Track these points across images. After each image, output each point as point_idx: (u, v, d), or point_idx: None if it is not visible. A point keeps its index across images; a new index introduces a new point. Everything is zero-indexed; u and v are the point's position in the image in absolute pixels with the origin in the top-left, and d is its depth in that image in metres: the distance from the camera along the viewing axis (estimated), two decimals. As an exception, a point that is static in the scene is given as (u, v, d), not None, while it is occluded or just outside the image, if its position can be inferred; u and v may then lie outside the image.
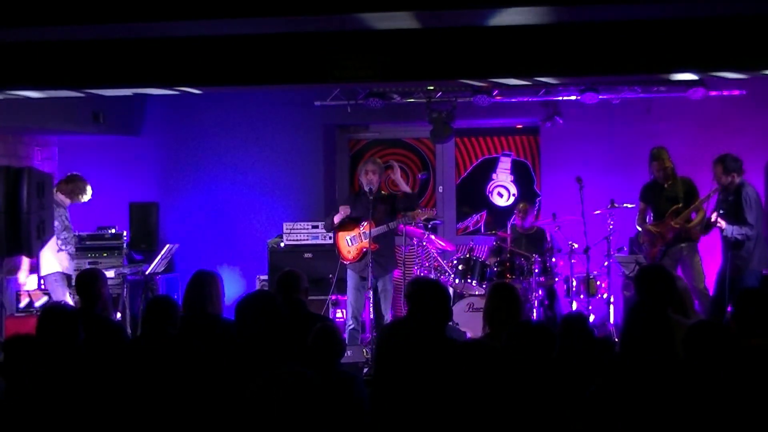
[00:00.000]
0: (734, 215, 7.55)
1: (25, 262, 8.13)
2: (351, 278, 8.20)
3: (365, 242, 8.00)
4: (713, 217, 7.55)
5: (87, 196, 8.50)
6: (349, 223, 8.24)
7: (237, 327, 4.85)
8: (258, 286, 9.48)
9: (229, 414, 4.45)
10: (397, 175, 8.39)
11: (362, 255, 8.09)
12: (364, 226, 8.05)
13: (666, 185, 8.24)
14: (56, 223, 7.65)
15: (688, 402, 3.85)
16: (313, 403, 3.25)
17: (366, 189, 8.08)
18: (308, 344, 4.70)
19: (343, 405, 4.45)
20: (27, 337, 4.88)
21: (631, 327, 5.28)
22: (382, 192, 8.29)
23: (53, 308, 4.80)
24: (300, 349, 4.78)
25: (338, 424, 4.36)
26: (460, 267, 8.56)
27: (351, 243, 8.17)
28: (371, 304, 8.17)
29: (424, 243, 8.88)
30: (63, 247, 8.10)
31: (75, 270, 8.13)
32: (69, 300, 7.91)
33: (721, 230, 7.55)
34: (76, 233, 9.42)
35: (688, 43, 6.24)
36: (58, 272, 8.10)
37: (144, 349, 4.97)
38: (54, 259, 8.06)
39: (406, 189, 8.33)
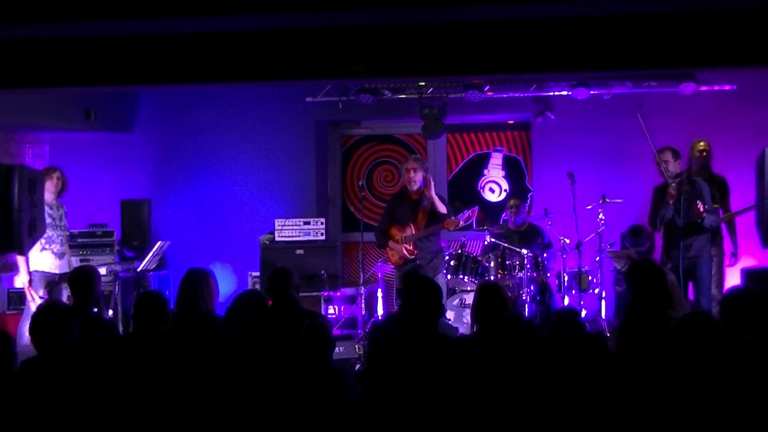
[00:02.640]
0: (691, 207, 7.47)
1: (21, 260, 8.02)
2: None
3: (408, 246, 8.00)
4: (698, 205, 7.40)
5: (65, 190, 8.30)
6: (394, 228, 8.23)
7: (227, 326, 4.86)
8: (250, 283, 9.48)
9: (222, 410, 4.46)
10: (432, 193, 8.02)
11: (405, 261, 8.04)
12: (407, 230, 8.07)
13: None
14: None
15: (685, 398, 3.87)
16: (305, 398, 3.28)
17: (409, 188, 8.09)
18: (299, 340, 4.72)
19: (334, 400, 4.46)
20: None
21: (627, 323, 5.28)
22: (425, 193, 8.05)
23: (48, 307, 4.78)
24: (291, 345, 4.79)
25: (329, 419, 4.38)
26: (451, 263, 8.56)
27: (393, 248, 8.17)
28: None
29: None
30: (46, 246, 8.01)
31: (63, 269, 8.10)
32: (33, 305, 7.82)
33: (702, 219, 7.43)
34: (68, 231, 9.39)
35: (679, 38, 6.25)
36: (37, 272, 7.99)
37: (135, 346, 4.98)
38: (37, 258, 7.89)
39: (442, 209, 8.02)
